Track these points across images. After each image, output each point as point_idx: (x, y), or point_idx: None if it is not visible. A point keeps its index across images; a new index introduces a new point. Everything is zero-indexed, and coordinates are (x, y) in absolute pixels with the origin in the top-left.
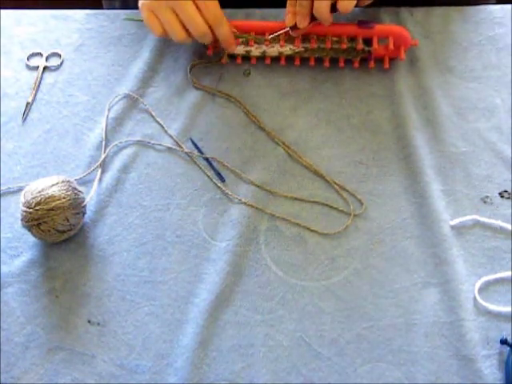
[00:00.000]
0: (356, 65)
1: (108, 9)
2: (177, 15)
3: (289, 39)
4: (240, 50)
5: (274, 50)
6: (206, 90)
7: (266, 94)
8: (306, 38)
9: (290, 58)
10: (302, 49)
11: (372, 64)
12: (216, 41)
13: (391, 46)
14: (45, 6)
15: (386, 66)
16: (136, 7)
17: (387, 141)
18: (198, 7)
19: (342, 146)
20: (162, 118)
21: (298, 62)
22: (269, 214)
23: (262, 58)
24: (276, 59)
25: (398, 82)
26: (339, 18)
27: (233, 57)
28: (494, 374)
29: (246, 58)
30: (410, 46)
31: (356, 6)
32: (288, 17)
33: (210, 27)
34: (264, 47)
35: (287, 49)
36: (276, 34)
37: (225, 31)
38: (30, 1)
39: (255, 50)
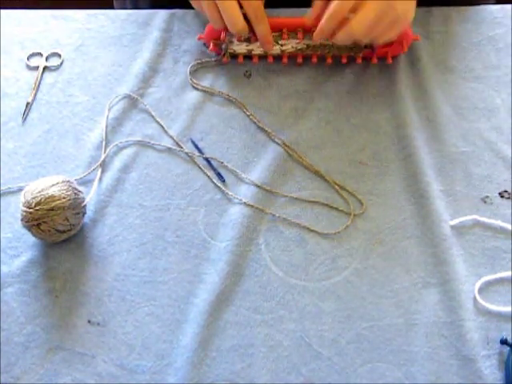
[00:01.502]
0: (359, 61)
1: (120, 9)
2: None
3: (291, 34)
4: (242, 48)
5: (275, 48)
6: (205, 90)
7: (266, 94)
8: (307, 33)
9: (291, 57)
10: (304, 46)
11: (375, 60)
12: (219, 38)
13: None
14: (51, 6)
15: (389, 61)
16: (146, 7)
17: (387, 141)
18: (239, 2)
19: (342, 146)
20: (162, 118)
21: (300, 60)
22: (269, 214)
23: (263, 56)
24: (278, 58)
25: (398, 82)
26: None
27: (234, 56)
28: (494, 373)
29: (248, 57)
30: (412, 40)
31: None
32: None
33: (249, 24)
34: None
35: (289, 47)
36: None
37: (264, 29)
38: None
39: (257, 49)
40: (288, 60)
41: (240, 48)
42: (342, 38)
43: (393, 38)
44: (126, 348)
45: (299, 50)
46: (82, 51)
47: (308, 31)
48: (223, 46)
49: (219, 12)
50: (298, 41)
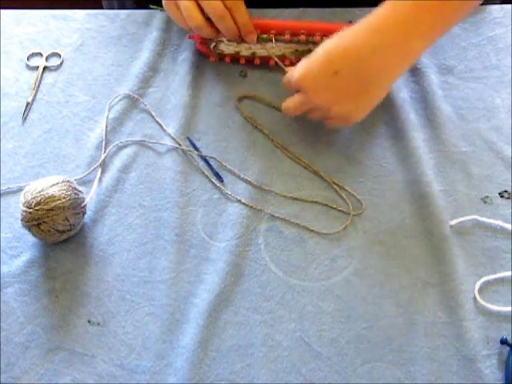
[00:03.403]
0: None
1: (107, 9)
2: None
3: (279, 38)
4: (230, 49)
5: (263, 50)
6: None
7: (263, 94)
8: (295, 36)
9: (280, 59)
10: (293, 50)
11: None
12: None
13: None
14: (45, 5)
15: None
16: (133, 7)
17: (387, 141)
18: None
19: (341, 146)
20: (162, 118)
21: (288, 62)
22: (268, 214)
23: (251, 58)
24: (265, 60)
25: (398, 82)
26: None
27: (221, 56)
28: (493, 373)
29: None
30: None
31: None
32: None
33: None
34: (253, 47)
35: (277, 50)
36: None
37: (244, 15)
38: (31, 1)
39: (245, 51)
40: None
41: (228, 49)
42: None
43: (338, 127)
44: (125, 348)
45: (288, 53)
46: (82, 51)
47: (296, 34)
48: (211, 46)
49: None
50: (286, 45)
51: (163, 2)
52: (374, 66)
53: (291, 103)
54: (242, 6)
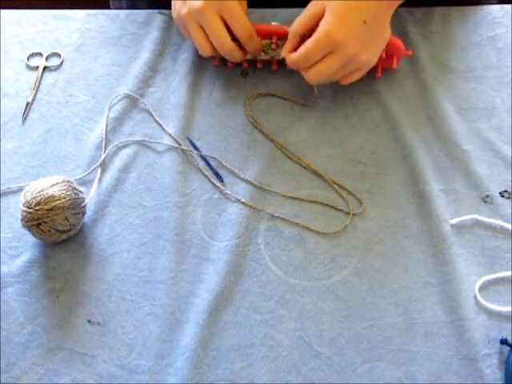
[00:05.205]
0: None
1: (116, 9)
2: (204, 30)
3: (280, 44)
4: None
5: (265, 54)
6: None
7: (263, 93)
8: None
9: (281, 63)
10: None
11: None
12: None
13: (383, 55)
14: (45, 5)
15: (378, 74)
16: (143, 7)
17: (386, 140)
18: (225, 22)
19: (340, 146)
20: (162, 117)
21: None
22: (268, 213)
23: (253, 61)
24: (267, 64)
25: (398, 82)
26: None
27: (224, 59)
28: (494, 373)
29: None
30: (404, 55)
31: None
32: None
33: (238, 41)
34: None
35: (278, 52)
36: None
37: (255, 44)
38: (33, 1)
39: (248, 54)
40: (277, 66)
41: None
42: (307, 77)
43: (355, 80)
44: (125, 348)
45: None
46: (82, 51)
47: None
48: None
49: (207, 37)
50: None
51: (180, 27)
52: (383, 11)
53: (324, 66)
54: (254, 34)
